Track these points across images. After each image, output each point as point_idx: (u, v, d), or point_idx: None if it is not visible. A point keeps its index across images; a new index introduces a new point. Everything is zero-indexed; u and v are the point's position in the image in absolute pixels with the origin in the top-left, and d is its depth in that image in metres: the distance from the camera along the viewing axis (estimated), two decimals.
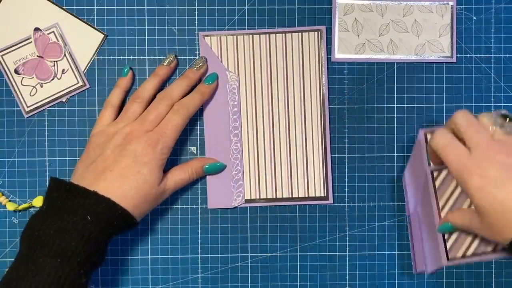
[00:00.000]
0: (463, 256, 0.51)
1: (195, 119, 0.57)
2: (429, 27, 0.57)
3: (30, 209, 0.57)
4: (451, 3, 0.57)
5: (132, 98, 0.54)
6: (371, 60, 0.57)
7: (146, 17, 0.57)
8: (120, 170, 0.49)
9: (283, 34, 0.57)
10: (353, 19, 0.57)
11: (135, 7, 0.57)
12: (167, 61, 0.56)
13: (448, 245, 0.55)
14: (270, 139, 0.57)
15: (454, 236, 0.53)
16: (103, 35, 0.57)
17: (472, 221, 0.45)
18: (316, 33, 0.57)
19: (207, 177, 0.57)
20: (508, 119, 0.45)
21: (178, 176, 0.54)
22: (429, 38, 0.57)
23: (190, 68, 0.55)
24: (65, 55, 0.56)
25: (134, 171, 0.50)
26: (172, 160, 0.57)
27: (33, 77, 0.56)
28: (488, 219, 0.42)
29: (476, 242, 0.52)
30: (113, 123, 0.53)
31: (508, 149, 0.43)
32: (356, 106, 0.58)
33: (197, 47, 0.57)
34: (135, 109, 0.53)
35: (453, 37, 0.57)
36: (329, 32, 0.57)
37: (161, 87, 0.56)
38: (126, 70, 0.56)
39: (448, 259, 0.55)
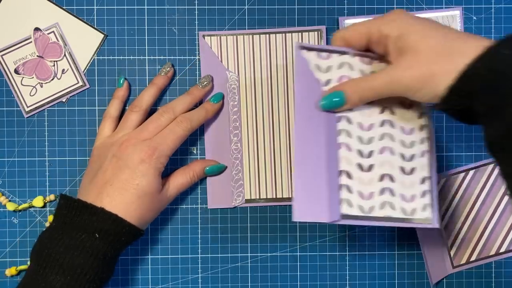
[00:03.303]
0: (468, 262, 0.51)
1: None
2: None
3: (30, 209, 0.57)
4: (457, 11, 0.57)
5: (130, 108, 0.54)
6: None
7: (146, 17, 0.57)
8: (119, 183, 0.49)
9: (283, 34, 0.57)
10: None
11: (135, 7, 0.57)
12: (164, 71, 0.56)
13: (452, 252, 0.55)
14: (270, 139, 0.57)
15: (457, 243, 0.53)
16: (103, 35, 0.57)
17: (398, 71, 0.43)
18: (316, 33, 0.57)
19: (207, 177, 0.57)
20: None
21: (180, 180, 0.54)
22: None
23: (195, 85, 0.55)
24: (65, 55, 0.56)
25: (133, 183, 0.49)
26: (172, 160, 0.57)
27: (33, 77, 0.56)
28: (432, 53, 0.41)
29: (479, 247, 0.52)
30: (112, 134, 0.53)
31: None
32: None
33: (197, 47, 0.57)
34: (133, 119, 0.53)
35: None
36: (329, 32, 0.57)
37: (159, 97, 0.56)
38: (121, 80, 0.56)
39: (453, 266, 0.55)
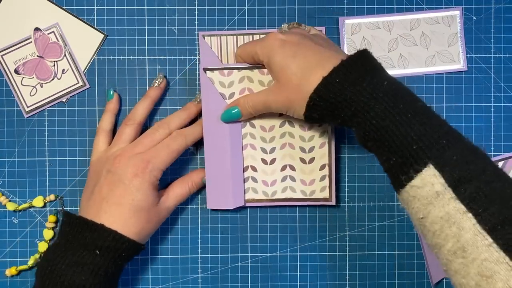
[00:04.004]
0: None
1: (195, 118, 0.57)
2: (437, 38, 0.57)
3: (30, 209, 0.57)
4: (457, 11, 0.57)
5: (124, 121, 0.54)
6: None
7: (146, 17, 0.57)
8: (115, 199, 0.49)
9: None
10: (361, 38, 0.57)
11: (135, 7, 0.57)
12: (157, 82, 0.55)
13: None
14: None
15: None
16: (103, 35, 0.57)
17: (269, 96, 0.49)
18: None
19: (207, 177, 0.56)
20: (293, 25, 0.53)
21: (179, 191, 0.54)
22: (438, 49, 0.57)
23: (191, 102, 0.56)
24: (65, 55, 0.56)
25: (129, 199, 0.49)
26: None
27: (33, 77, 0.56)
28: (289, 84, 0.46)
29: None
30: (108, 149, 0.53)
31: (289, 33, 0.49)
32: None
33: (197, 47, 0.57)
34: (128, 132, 0.53)
35: (463, 45, 0.57)
36: (330, 32, 0.57)
37: (156, 105, 0.56)
38: (111, 93, 0.56)
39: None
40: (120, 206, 0.49)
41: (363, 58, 0.44)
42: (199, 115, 0.56)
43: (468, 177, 0.38)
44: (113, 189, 0.49)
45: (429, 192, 0.39)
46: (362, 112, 0.42)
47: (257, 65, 0.52)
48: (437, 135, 0.40)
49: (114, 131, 0.56)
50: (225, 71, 0.54)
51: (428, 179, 0.39)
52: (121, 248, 0.48)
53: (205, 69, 0.54)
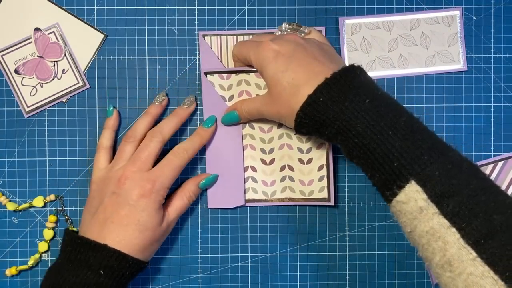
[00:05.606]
0: None
1: (195, 119, 0.57)
2: (437, 38, 0.57)
3: (30, 209, 0.57)
4: (457, 12, 0.57)
5: (124, 138, 0.53)
6: (383, 77, 0.57)
7: (146, 17, 0.57)
8: (120, 220, 0.49)
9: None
10: (361, 38, 0.57)
11: (135, 7, 0.57)
12: (158, 100, 0.55)
13: None
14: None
15: None
16: (103, 35, 0.57)
17: (263, 105, 0.50)
18: None
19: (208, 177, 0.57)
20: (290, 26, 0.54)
21: (178, 204, 0.54)
22: (438, 49, 0.57)
23: (180, 106, 0.56)
24: (65, 55, 0.56)
25: (134, 219, 0.49)
26: None
27: (33, 77, 0.56)
28: (279, 99, 0.47)
29: None
30: (109, 167, 0.53)
31: (279, 40, 0.50)
32: None
33: (197, 47, 0.57)
34: (129, 150, 0.53)
35: (463, 46, 0.57)
36: (330, 32, 0.57)
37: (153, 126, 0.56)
38: (110, 109, 0.56)
39: None
40: (126, 226, 0.49)
41: (347, 75, 0.45)
42: (189, 120, 0.56)
43: (451, 191, 0.39)
44: (118, 210, 0.49)
45: (414, 208, 0.40)
46: (345, 131, 0.43)
47: (253, 68, 0.53)
48: (419, 151, 0.40)
49: (114, 146, 0.56)
50: (224, 75, 0.55)
51: (412, 195, 0.40)
52: (125, 267, 0.49)
53: (205, 73, 0.55)
